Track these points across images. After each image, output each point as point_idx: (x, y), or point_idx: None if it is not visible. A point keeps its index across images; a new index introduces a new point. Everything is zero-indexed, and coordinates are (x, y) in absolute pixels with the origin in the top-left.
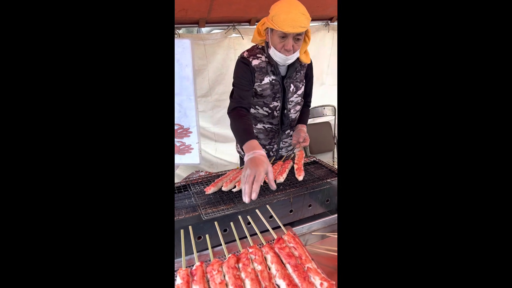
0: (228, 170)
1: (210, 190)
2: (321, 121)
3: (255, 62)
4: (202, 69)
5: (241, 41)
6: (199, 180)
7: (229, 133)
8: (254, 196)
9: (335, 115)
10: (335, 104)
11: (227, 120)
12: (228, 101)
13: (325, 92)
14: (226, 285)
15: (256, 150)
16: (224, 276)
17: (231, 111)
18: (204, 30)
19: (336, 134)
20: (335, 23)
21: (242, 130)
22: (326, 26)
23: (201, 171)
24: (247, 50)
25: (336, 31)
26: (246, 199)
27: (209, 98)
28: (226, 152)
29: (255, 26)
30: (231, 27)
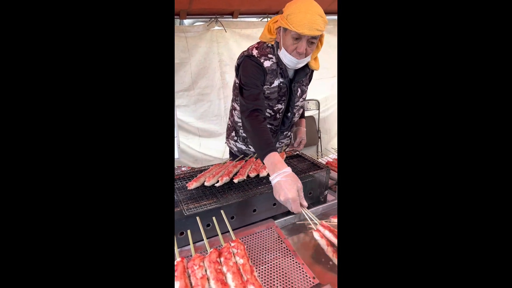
0: (212, 165)
1: (192, 185)
2: (306, 115)
3: (267, 64)
4: (184, 62)
5: (224, 34)
6: (181, 176)
7: (213, 127)
8: (299, 210)
9: (318, 109)
10: (319, 98)
11: (211, 115)
12: (212, 95)
13: (310, 87)
14: (208, 279)
15: (280, 170)
16: (206, 270)
17: (249, 114)
18: (186, 22)
19: (320, 128)
20: None
21: (263, 140)
22: None
23: (183, 167)
24: (256, 48)
25: None
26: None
27: (191, 92)
28: (210, 147)
29: (238, 19)
30: (213, 19)
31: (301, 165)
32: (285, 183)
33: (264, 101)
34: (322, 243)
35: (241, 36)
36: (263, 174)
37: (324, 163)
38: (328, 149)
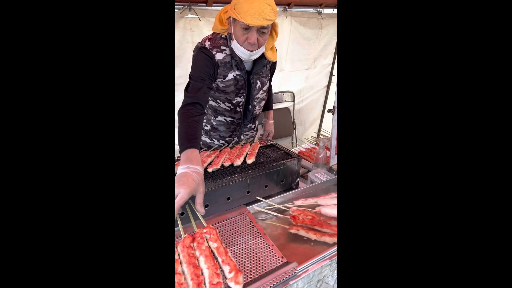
0: None
1: None
2: (281, 107)
3: (219, 56)
4: None
5: (198, 23)
6: None
7: None
8: (177, 207)
9: (293, 100)
10: (294, 90)
11: None
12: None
13: (284, 78)
14: (181, 263)
15: (190, 165)
16: (179, 255)
17: (182, 108)
18: None
19: (295, 120)
20: (293, 9)
21: (185, 134)
22: (284, 12)
23: None
24: (209, 39)
25: (293, 17)
26: None
27: None
28: None
29: (212, 8)
30: (186, 7)
31: (274, 154)
32: (190, 176)
33: (207, 96)
34: (303, 233)
35: None
36: (237, 163)
37: (297, 152)
38: (302, 140)
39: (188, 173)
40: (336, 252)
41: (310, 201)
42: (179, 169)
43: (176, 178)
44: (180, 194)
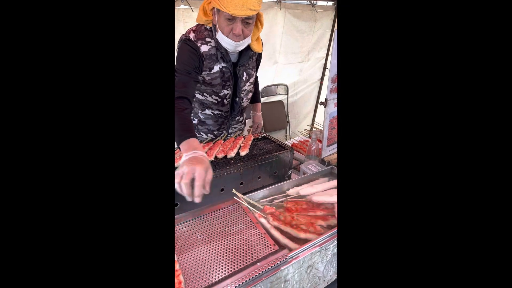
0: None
1: None
2: (275, 100)
3: (204, 49)
4: None
5: (191, 14)
6: None
7: None
8: (198, 200)
9: (287, 94)
10: (288, 83)
11: None
12: None
13: (278, 71)
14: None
15: (196, 151)
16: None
17: None
18: None
19: (288, 113)
20: (287, 1)
21: (181, 126)
22: (278, 3)
23: None
24: (193, 31)
25: (287, 9)
26: (189, 199)
27: None
28: None
29: None
30: None
31: (267, 146)
32: (200, 158)
33: (194, 89)
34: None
35: None
36: (230, 155)
37: (290, 145)
38: (296, 132)
39: (197, 156)
40: (325, 240)
41: (293, 191)
42: (185, 156)
43: (186, 161)
44: (198, 171)
